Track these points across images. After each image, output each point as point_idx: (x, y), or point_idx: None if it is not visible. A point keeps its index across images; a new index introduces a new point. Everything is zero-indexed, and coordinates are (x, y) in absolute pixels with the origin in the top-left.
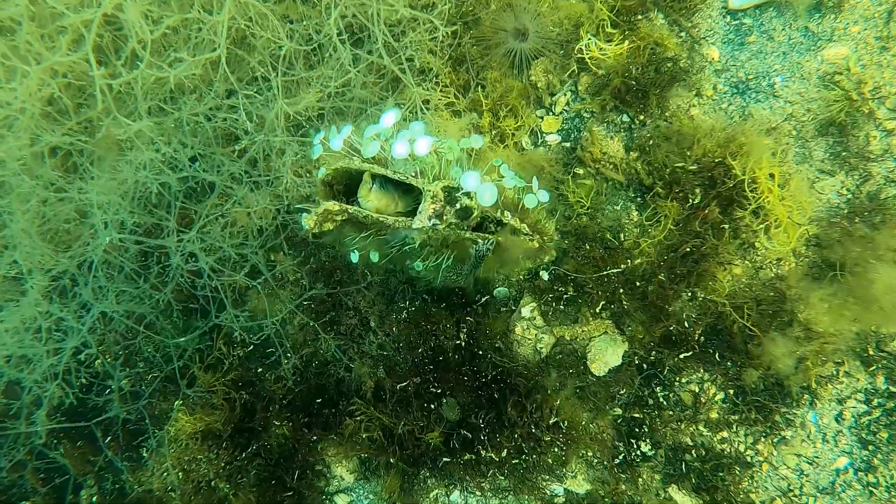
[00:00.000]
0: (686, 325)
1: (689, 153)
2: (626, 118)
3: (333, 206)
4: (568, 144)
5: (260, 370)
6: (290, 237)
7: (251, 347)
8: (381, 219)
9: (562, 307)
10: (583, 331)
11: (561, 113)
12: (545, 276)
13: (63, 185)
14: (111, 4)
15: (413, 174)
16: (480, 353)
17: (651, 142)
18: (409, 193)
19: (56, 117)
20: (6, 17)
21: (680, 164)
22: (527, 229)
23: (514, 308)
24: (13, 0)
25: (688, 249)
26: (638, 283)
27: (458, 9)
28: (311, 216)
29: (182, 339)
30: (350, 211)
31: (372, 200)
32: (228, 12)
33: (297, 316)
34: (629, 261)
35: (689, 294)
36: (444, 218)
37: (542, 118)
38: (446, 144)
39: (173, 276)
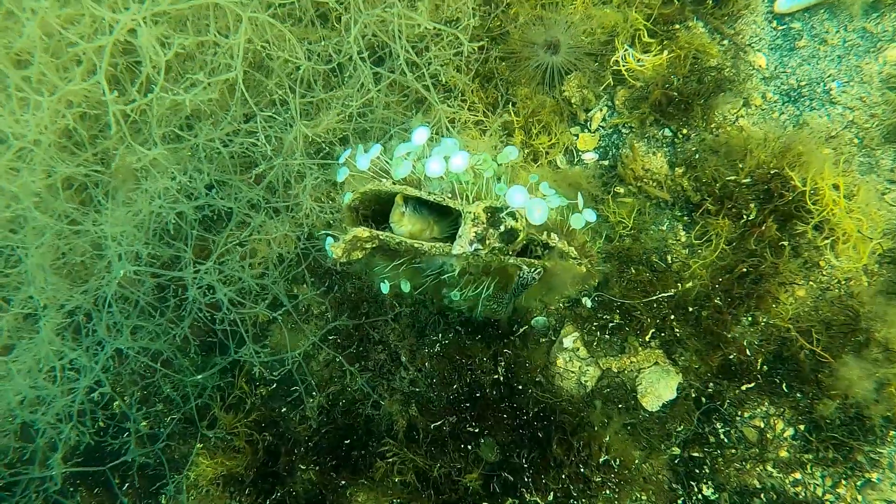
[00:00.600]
0: (748, 352)
1: (741, 165)
2: (668, 132)
3: (363, 232)
4: (606, 162)
5: (284, 409)
6: (313, 266)
7: (274, 385)
8: (415, 245)
9: (607, 336)
10: (631, 362)
11: (597, 129)
12: (588, 302)
13: (78, 218)
14: (123, 30)
15: (449, 195)
16: (520, 388)
17: (697, 155)
18: (445, 217)
19: (72, 149)
20: (19, 48)
21: (732, 178)
22: (575, 253)
23: (554, 338)
24: (25, 31)
25: (744, 270)
26: (691, 308)
27: (483, 23)
28: (338, 244)
29: (200, 377)
30: (381, 237)
31: (405, 225)
32: (244, 33)
33: (321, 351)
34: (679, 284)
35: (750, 319)
36: (487, 242)
37: (577, 136)
38: (482, 159)
39: (190, 310)
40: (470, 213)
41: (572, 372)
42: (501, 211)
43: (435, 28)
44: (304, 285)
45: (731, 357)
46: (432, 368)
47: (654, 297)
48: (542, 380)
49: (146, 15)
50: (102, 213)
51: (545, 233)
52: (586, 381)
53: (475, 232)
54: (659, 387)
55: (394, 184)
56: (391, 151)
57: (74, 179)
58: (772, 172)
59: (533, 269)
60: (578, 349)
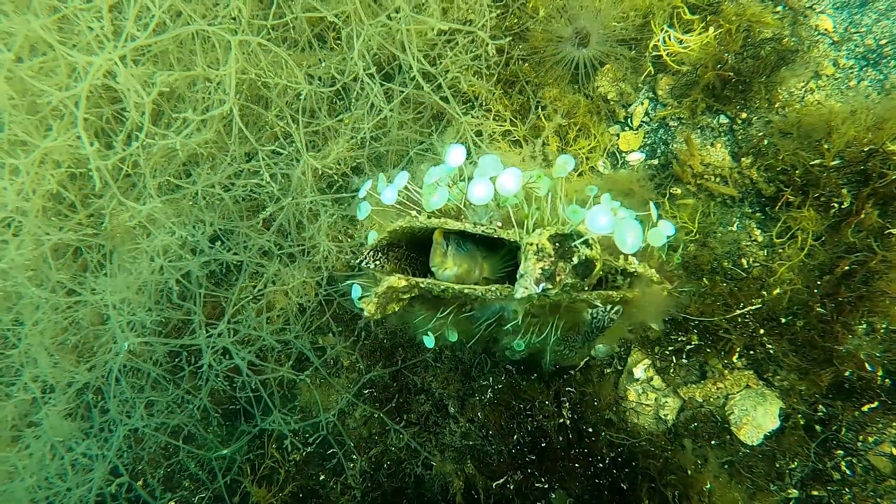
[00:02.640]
0: (868, 367)
1: (826, 146)
2: (724, 119)
3: (399, 281)
4: (656, 161)
5: (322, 477)
6: (338, 313)
7: (309, 450)
8: (466, 292)
9: (684, 361)
10: (717, 388)
11: (640, 126)
12: (656, 324)
13: (75, 287)
14: (99, 74)
15: (499, 223)
16: (590, 430)
17: (766, 141)
18: (494, 251)
19: (66, 213)
20: None
21: (817, 162)
22: (657, 277)
23: (620, 368)
24: None
25: (846, 268)
26: (783, 320)
27: (499, 22)
28: (370, 299)
29: (226, 451)
30: (423, 286)
31: (450, 268)
32: (235, 60)
33: (357, 407)
34: (764, 292)
35: (865, 326)
36: (558, 279)
37: (618, 135)
38: (535, 175)
39: (207, 378)
40: (532, 244)
41: (648, 406)
42: (572, 238)
43: (450, 29)
44: (331, 335)
45: (848, 374)
46: (486, 418)
47: (740, 312)
48: (614, 418)
49: (124, 53)
50: (101, 280)
51: (622, 256)
52: (666, 415)
53: (541, 268)
54: (756, 415)
55: (429, 217)
56: (419, 177)
57: (67, 246)
58: (867, 150)
59: (609, 309)
60: (652, 378)
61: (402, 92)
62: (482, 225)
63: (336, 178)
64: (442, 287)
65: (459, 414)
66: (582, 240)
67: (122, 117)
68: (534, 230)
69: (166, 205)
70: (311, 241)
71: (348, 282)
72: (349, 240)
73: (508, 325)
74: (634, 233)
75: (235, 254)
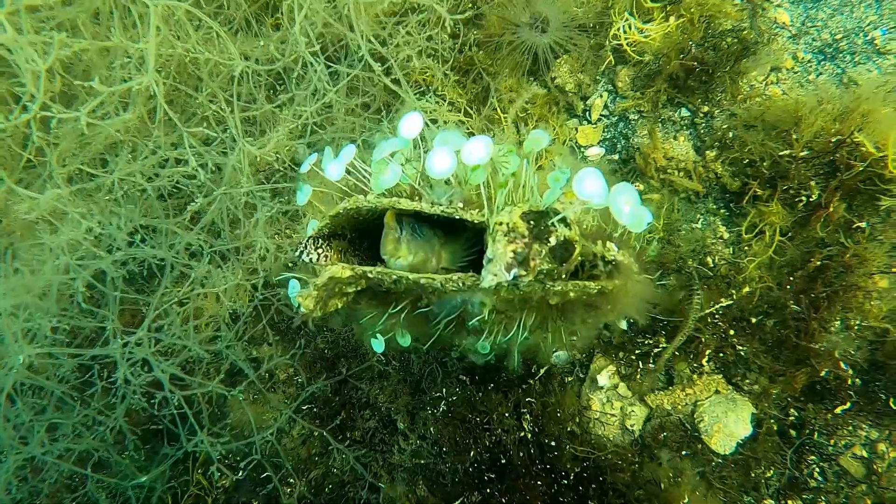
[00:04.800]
0: (843, 366)
1: (795, 136)
2: (685, 112)
3: (343, 271)
4: (616, 156)
5: None
6: (276, 321)
7: (240, 474)
8: (422, 282)
9: (651, 366)
10: (686, 394)
11: (599, 119)
12: (623, 324)
13: None
14: None
15: (461, 205)
16: (553, 444)
17: (731, 134)
18: (454, 238)
19: None
20: None
21: (785, 152)
22: (636, 268)
23: (582, 376)
24: None
25: (819, 263)
26: (754, 320)
27: (454, 6)
28: (308, 292)
29: (144, 479)
30: (371, 276)
31: (404, 257)
32: (157, 29)
33: (295, 424)
34: (733, 291)
35: (840, 322)
36: (532, 264)
37: (576, 129)
38: (504, 149)
39: (123, 395)
40: (502, 223)
41: (613, 415)
42: (548, 216)
43: (403, 2)
44: (266, 345)
45: (824, 374)
46: (439, 433)
47: (710, 310)
48: (577, 430)
49: (15, 9)
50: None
51: (599, 242)
52: (632, 425)
53: (513, 251)
54: (728, 421)
55: (378, 197)
56: (368, 153)
57: None
58: (835, 140)
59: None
60: (617, 386)
61: (351, 72)
62: (441, 205)
63: (277, 169)
64: (394, 277)
65: (409, 430)
66: (559, 217)
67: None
68: (505, 207)
69: (76, 197)
70: (247, 238)
71: (283, 275)
72: (289, 239)
73: (474, 321)
74: (632, 199)
75: (155, 251)
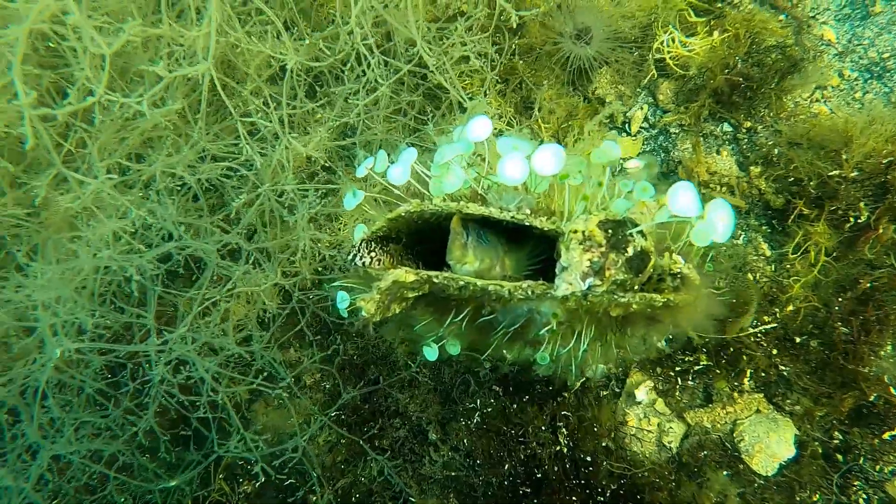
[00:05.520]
0: (893, 391)
1: (845, 157)
2: (727, 127)
3: (407, 275)
4: (655, 171)
5: None
6: (310, 323)
7: (262, 481)
8: (491, 289)
9: (690, 382)
10: (726, 412)
11: (639, 132)
12: (662, 342)
13: None
14: (45, 14)
15: (528, 212)
16: (588, 459)
17: (776, 150)
18: (518, 246)
19: None
20: None
21: (835, 172)
22: (700, 281)
23: (618, 390)
24: None
25: (868, 285)
26: (798, 340)
27: (491, 19)
28: (370, 296)
29: (173, 483)
30: (437, 281)
31: (471, 263)
32: (214, 17)
33: (322, 432)
34: (776, 309)
35: (891, 347)
36: (609, 274)
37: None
38: (577, 161)
39: (155, 395)
40: (577, 232)
41: (650, 431)
42: (626, 226)
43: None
44: (292, 350)
45: (873, 398)
46: (472, 445)
47: (756, 330)
48: (612, 445)
49: None
50: (31, 274)
51: (666, 254)
52: (670, 443)
53: (590, 260)
54: (769, 442)
55: (445, 200)
56: (430, 154)
57: None
58: (886, 161)
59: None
60: (655, 402)
61: (403, 69)
62: (510, 210)
63: (320, 169)
64: (461, 283)
65: (441, 441)
66: (638, 228)
67: (66, 82)
68: (581, 215)
69: (116, 190)
70: (286, 238)
71: (337, 283)
72: (334, 233)
73: (542, 331)
74: (727, 215)
75: (198, 244)
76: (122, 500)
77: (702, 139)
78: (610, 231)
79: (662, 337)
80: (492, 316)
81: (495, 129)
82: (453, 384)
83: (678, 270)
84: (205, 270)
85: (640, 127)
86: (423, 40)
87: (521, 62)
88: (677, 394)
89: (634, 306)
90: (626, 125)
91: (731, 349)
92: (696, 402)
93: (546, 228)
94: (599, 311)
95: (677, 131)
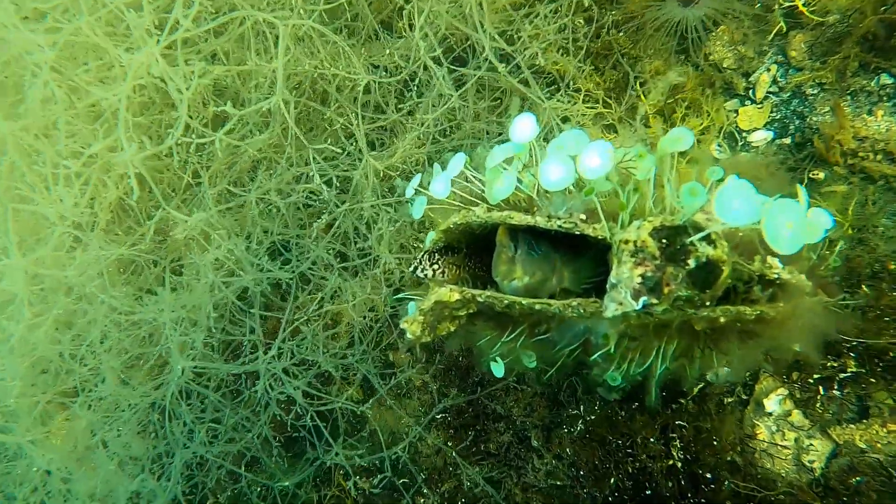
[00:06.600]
0: None
1: None
2: (887, 79)
3: (451, 294)
4: (788, 140)
5: None
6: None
7: (379, 478)
8: (537, 307)
9: (835, 392)
10: (888, 431)
11: (766, 98)
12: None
13: (131, 306)
14: (142, 69)
15: (582, 217)
16: (708, 476)
17: None
18: (578, 255)
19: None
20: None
21: None
22: (809, 287)
23: (745, 398)
24: (29, 93)
25: None
26: None
27: None
28: (413, 318)
29: (286, 483)
30: (481, 300)
31: (519, 277)
32: (285, 49)
33: (430, 433)
34: None
35: None
36: (667, 290)
37: (736, 112)
38: (634, 153)
39: (266, 403)
40: (628, 242)
41: (786, 448)
42: (686, 233)
43: None
44: (401, 352)
45: None
46: (576, 455)
47: None
48: (740, 461)
49: (168, 44)
50: (160, 297)
51: (758, 257)
52: (812, 462)
53: (641, 275)
54: None
55: (489, 211)
56: (482, 158)
57: (130, 262)
58: None
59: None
60: (790, 413)
61: (475, 74)
62: (559, 218)
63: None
64: (506, 302)
65: (544, 448)
66: (701, 235)
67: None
68: (630, 223)
69: (223, 215)
70: (374, 251)
71: (400, 296)
72: (415, 250)
73: (596, 356)
74: (794, 222)
75: (291, 269)
76: (254, 497)
77: (848, 98)
78: (665, 240)
79: (764, 349)
80: (548, 334)
81: (590, 115)
82: (560, 386)
83: (775, 276)
84: (295, 287)
85: (768, 92)
86: (512, 30)
87: (620, 35)
88: (819, 405)
89: (723, 319)
90: (751, 91)
91: (891, 354)
92: (845, 415)
93: (599, 237)
94: (674, 326)
95: (815, 92)
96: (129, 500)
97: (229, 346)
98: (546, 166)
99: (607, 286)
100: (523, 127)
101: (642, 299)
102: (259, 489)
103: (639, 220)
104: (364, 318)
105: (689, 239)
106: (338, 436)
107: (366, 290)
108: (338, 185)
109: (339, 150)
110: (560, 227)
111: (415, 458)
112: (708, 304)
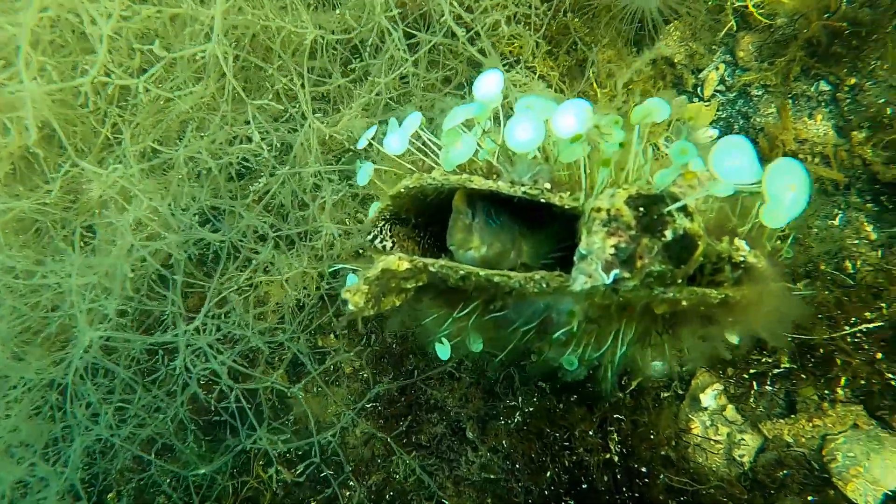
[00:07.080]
0: None
1: None
2: (825, 86)
3: (400, 263)
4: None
5: None
6: (340, 312)
7: (301, 470)
8: (496, 280)
9: (768, 388)
10: (813, 426)
11: (713, 96)
12: (734, 338)
13: (31, 268)
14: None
15: (548, 185)
16: (643, 470)
17: (889, 110)
18: (539, 228)
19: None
20: None
21: None
22: (771, 272)
23: (681, 392)
24: None
25: None
26: None
27: None
28: (356, 287)
29: (202, 470)
30: (433, 270)
31: (476, 247)
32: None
33: (359, 423)
34: (882, 304)
35: None
36: (641, 264)
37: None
38: (609, 120)
39: (185, 383)
40: (601, 210)
41: (718, 442)
42: (664, 202)
43: None
44: (332, 336)
45: None
46: (512, 447)
47: (851, 330)
48: (674, 456)
49: None
50: (66, 260)
51: (726, 239)
52: (742, 456)
53: (614, 245)
54: (870, 465)
55: (445, 175)
56: (441, 119)
57: (32, 223)
58: None
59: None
60: (724, 408)
61: (430, 41)
62: (523, 185)
63: (347, 149)
64: (461, 273)
65: (479, 440)
66: (679, 203)
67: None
68: (605, 190)
69: (147, 175)
70: (313, 223)
71: (337, 265)
72: (358, 224)
73: (558, 333)
74: (797, 184)
75: (220, 234)
76: (164, 484)
77: (790, 101)
78: (642, 209)
79: (720, 339)
80: (503, 312)
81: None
82: (497, 378)
83: (741, 259)
84: (222, 256)
85: (715, 90)
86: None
87: (575, 19)
88: (752, 400)
89: (685, 303)
90: (699, 88)
91: (822, 350)
92: (775, 410)
93: (567, 206)
94: (637, 308)
95: (760, 93)
96: (14, 490)
97: (146, 321)
98: (514, 126)
99: (575, 258)
100: (489, 83)
101: (613, 272)
102: (169, 480)
103: (612, 189)
104: (296, 295)
105: (667, 209)
106: (262, 420)
107: (302, 263)
108: (277, 149)
109: (282, 109)
110: (525, 193)
111: (342, 448)
112: (679, 281)
